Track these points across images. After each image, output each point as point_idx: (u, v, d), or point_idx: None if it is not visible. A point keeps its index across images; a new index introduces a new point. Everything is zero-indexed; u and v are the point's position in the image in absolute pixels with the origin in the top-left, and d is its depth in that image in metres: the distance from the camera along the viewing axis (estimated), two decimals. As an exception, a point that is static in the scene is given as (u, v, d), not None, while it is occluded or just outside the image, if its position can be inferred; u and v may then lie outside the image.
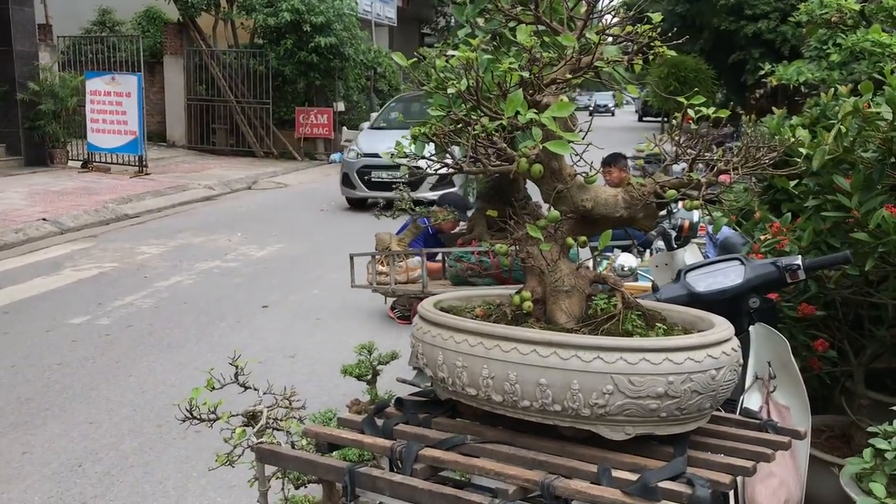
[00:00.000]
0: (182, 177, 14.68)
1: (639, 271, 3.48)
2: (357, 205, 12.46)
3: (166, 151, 18.45)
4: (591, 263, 2.13)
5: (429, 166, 2.04)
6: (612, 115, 49.84)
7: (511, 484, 1.66)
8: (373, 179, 12.10)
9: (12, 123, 14.32)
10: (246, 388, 2.19)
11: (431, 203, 9.30)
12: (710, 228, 4.10)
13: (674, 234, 4.05)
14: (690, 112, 1.88)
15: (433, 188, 10.74)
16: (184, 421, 2.11)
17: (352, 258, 4.43)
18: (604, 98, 52.38)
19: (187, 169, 15.94)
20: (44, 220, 10.07)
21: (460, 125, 1.92)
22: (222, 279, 7.80)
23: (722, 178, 1.99)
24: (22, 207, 10.74)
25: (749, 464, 1.73)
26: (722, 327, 1.82)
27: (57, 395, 4.82)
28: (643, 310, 1.92)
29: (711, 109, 1.84)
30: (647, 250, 5.21)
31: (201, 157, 18.31)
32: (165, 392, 4.80)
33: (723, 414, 2.06)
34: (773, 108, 4.23)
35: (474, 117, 1.83)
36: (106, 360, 5.42)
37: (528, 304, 1.92)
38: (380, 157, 11.19)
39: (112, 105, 14.09)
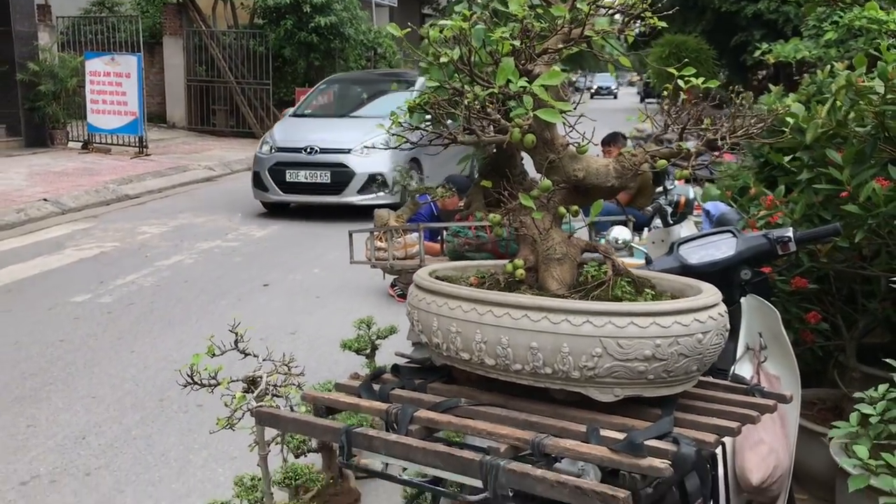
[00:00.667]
0: (182, 158, 14.70)
1: (633, 245, 3.53)
2: (275, 210, 10.35)
3: (166, 132, 18.46)
4: (582, 234, 2.17)
5: (423, 137, 2.07)
6: (615, 97, 49.70)
7: (503, 443, 1.71)
8: (288, 180, 9.90)
9: (12, 104, 14.33)
10: (245, 354, 2.24)
11: (359, 207, 8.94)
12: (706, 205, 4.13)
13: (670, 210, 4.09)
14: (681, 83, 1.91)
15: (360, 191, 9.72)
16: (185, 386, 2.16)
17: (351, 235, 4.47)
18: (606, 80, 52.21)
19: (187, 150, 15.95)
20: (45, 200, 10.11)
21: (455, 97, 1.95)
22: (223, 258, 7.85)
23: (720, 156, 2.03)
24: (23, 188, 10.77)
25: (734, 424, 1.78)
26: (709, 293, 1.86)
27: (60, 370, 4.88)
28: (633, 277, 1.96)
29: (701, 80, 1.87)
30: (646, 229, 5.26)
31: (201, 138, 18.31)
32: (167, 368, 4.85)
33: (711, 380, 2.10)
34: (770, 86, 4.26)
35: (468, 88, 1.87)
36: (108, 337, 5.48)
37: (520, 272, 1.97)
38: (298, 152, 9.93)
39: (112, 86, 14.08)
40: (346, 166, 9.69)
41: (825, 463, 3.15)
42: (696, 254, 2.73)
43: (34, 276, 7.13)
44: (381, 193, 9.65)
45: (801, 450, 3.25)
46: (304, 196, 10.00)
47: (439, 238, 4.67)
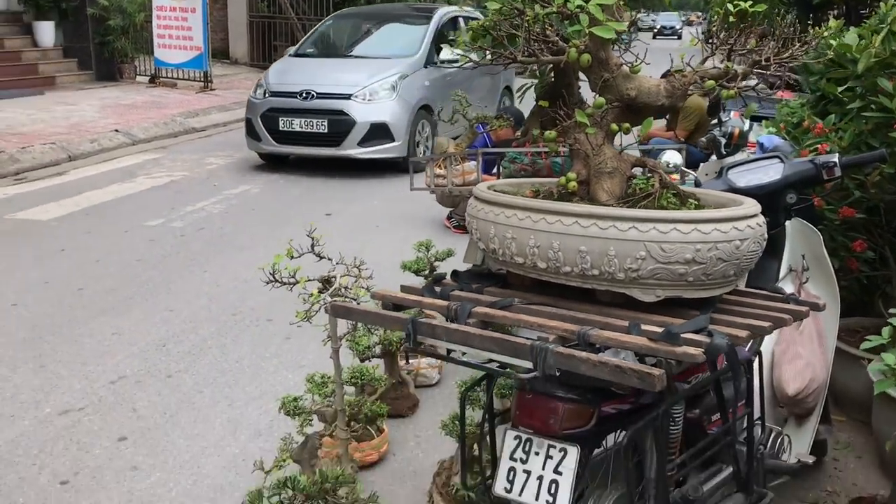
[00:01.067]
0: (245, 93, 14.86)
1: (683, 169, 3.64)
2: (273, 161, 9.31)
3: (229, 68, 18.76)
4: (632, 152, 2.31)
5: (483, 57, 2.22)
6: (679, 37, 48.42)
7: (551, 333, 1.90)
8: (281, 129, 8.77)
9: (83, 38, 14.75)
10: (321, 258, 2.46)
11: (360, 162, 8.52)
12: (760, 138, 4.20)
13: (723, 141, 4.17)
14: (730, 6, 2.02)
15: (361, 143, 8.66)
16: (267, 283, 2.39)
17: (411, 163, 4.67)
18: (669, 19, 50.92)
19: (250, 85, 16.08)
20: (116, 131, 10.51)
21: (516, 17, 2.09)
22: (287, 189, 8.13)
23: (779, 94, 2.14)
24: (95, 119, 11.19)
25: (766, 324, 1.93)
26: (749, 205, 2.01)
27: (139, 286, 5.23)
28: (678, 190, 2.11)
29: (748, 3, 1.98)
30: (702, 164, 5.34)
31: (263, 74, 18.54)
32: (238, 287, 5.16)
33: (749, 289, 2.25)
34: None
35: (528, 9, 2.01)
36: (181, 258, 5.82)
37: (573, 185, 2.13)
38: (293, 96, 8.78)
39: (178, 21, 14.38)
40: (345, 114, 8.61)
41: (864, 386, 3.29)
42: (743, 178, 2.85)
43: (110, 202, 7.52)
44: (386, 146, 8.66)
45: (842, 374, 3.39)
46: (298, 147, 8.89)
47: (495, 171, 4.83)
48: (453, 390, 3.51)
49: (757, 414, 2.57)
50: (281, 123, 8.75)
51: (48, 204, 7.34)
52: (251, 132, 9.05)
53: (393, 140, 8.65)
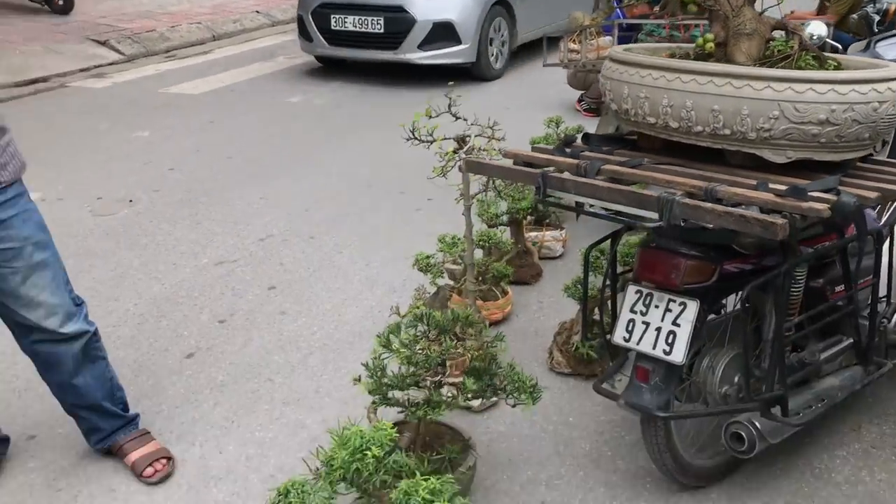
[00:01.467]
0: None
1: (828, 41, 3.49)
2: (330, 63, 8.36)
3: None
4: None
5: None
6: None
7: (679, 189, 1.97)
8: (333, 27, 7.66)
9: (224, -80, 15.06)
10: (457, 118, 2.59)
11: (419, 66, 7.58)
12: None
13: (876, 18, 3.94)
14: None
15: (422, 46, 7.53)
16: (407, 140, 2.55)
17: (545, 39, 4.66)
18: None
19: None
20: (257, 12, 10.84)
21: None
22: (422, 70, 8.22)
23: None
24: (237, 0, 11.55)
25: (897, 187, 1.93)
26: (891, 68, 1.97)
27: (283, 157, 5.55)
28: (818, 53, 2.09)
29: None
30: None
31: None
32: (373, 161, 5.39)
33: (883, 159, 2.23)
34: None
35: None
36: (321, 133, 6.10)
37: (710, 45, 2.15)
38: None
39: None
40: (404, 11, 7.46)
41: None
42: (892, 50, 2.74)
43: (253, 79, 7.87)
44: (450, 49, 7.53)
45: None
46: (352, 50, 7.78)
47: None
48: (576, 263, 3.62)
49: (884, 291, 2.57)
50: (333, 22, 7.66)
51: (196, 80, 7.77)
52: (303, 32, 8.01)
53: (459, 42, 7.50)
